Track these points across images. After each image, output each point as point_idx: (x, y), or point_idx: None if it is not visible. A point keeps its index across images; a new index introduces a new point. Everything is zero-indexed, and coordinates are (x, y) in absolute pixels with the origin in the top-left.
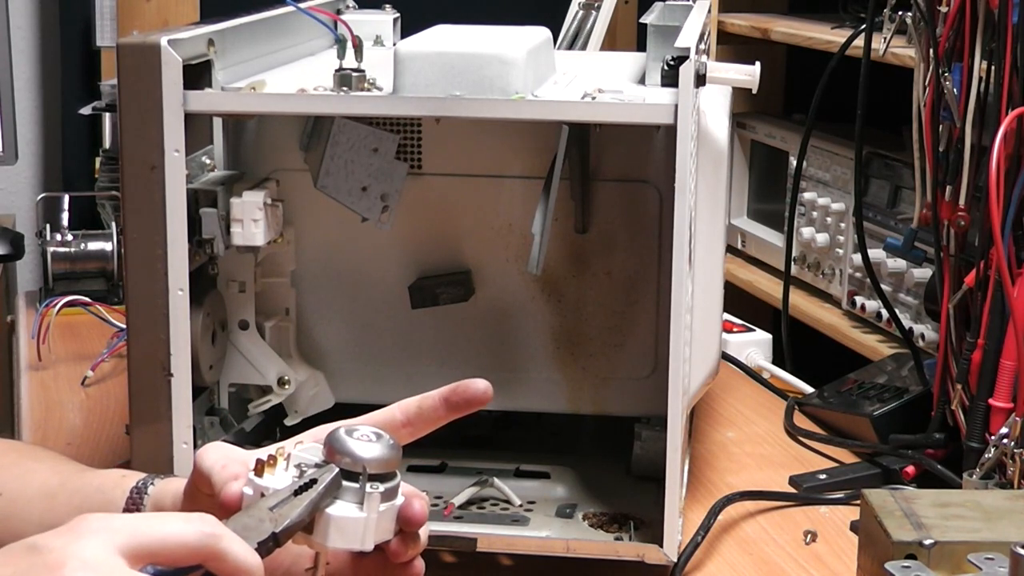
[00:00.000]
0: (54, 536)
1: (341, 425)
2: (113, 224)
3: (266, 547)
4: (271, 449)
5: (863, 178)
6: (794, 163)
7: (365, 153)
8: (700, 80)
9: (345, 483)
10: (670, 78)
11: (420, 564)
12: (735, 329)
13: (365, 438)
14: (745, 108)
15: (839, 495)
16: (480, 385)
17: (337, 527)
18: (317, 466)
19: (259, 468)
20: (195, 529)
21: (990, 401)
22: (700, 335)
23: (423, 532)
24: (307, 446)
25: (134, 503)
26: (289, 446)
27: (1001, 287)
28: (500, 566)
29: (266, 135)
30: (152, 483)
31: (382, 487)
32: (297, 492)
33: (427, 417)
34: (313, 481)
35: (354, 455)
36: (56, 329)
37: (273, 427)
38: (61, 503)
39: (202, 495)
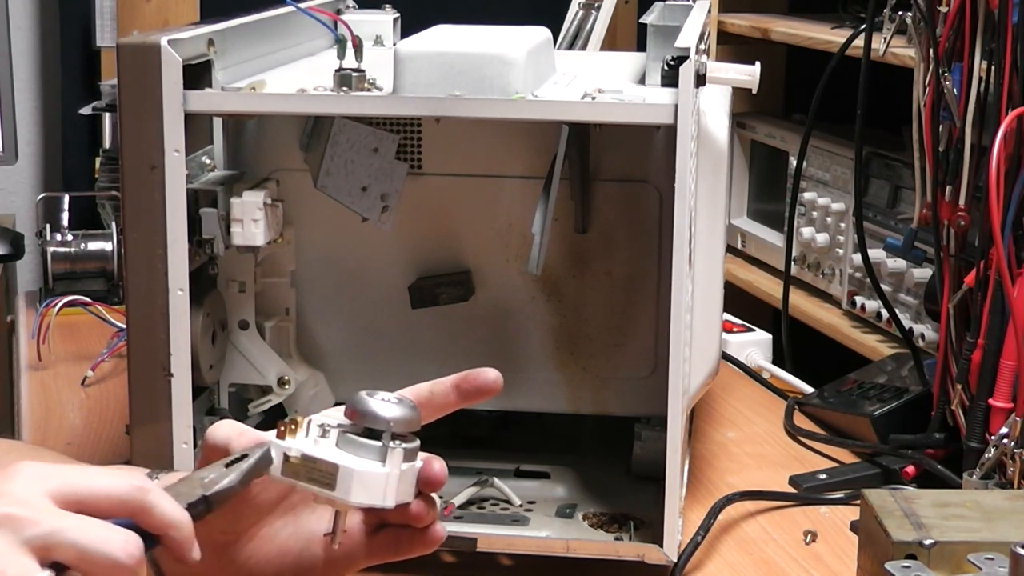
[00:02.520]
0: None
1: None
2: (113, 224)
3: (197, 509)
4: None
5: (863, 178)
6: (794, 163)
7: (365, 153)
8: (700, 80)
9: (368, 441)
10: (670, 78)
11: (441, 529)
12: (735, 329)
13: (388, 400)
14: (745, 108)
15: (839, 495)
16: (491, 374)
17: (360, 482)
18: (339, 425)
19: (281, 432)
20: (125, 482)
21: (990, 401)
22: (700, 335)
23: (436, 499)
24: (328, 411)
25: None
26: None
27: (1001, 287)
28: (500, 566)
29: (266, 135)
30: (156, 477)
31: (404, 445)
32: (228, 465)
33: (438, 403)
34: (245, 455)
35: (376, 414)
36: (56, 329)
37: (273, 427)
38: None
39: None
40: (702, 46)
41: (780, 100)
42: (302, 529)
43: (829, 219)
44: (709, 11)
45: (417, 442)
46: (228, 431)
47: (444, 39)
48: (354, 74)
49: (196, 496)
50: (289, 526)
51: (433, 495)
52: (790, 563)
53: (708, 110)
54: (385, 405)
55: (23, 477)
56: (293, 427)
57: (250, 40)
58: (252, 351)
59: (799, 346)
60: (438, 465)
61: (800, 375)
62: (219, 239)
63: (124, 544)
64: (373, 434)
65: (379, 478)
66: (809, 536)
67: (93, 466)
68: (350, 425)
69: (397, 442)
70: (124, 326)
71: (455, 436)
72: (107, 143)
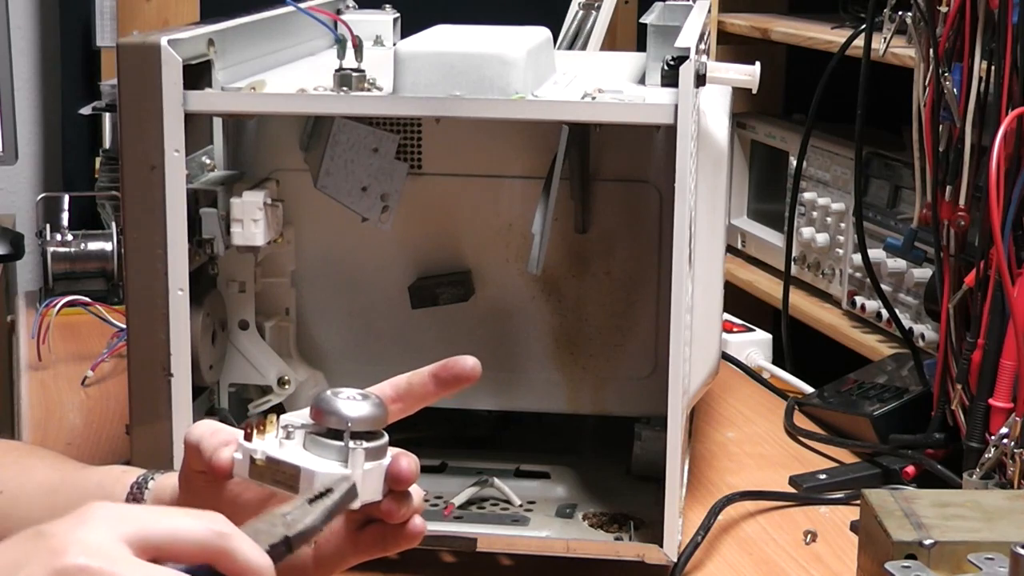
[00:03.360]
0: (60, 522)
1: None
2: (113, 224)
3: (278, 551)
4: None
5: (863, 178)
6: (794, 163)
7: (365, 153)
8: (700, 80)
9: (331, 442)
10: (670, 78)
11: (420, 523)
12: (735, 329)
13: (351, 398)
14: (745, 108)
15: (839, 495)
16: (468, 362)
17: (322, 484)
18: (303, 426)
19: (248, 433)
20: (204, 526)
21: (990, 401)
22: (700, 335)
23: (416, 493)
24: (296, 412)
25: (134, 498)
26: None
27: (1001, 287)
28: (500, 566)
29: (266, 135)
30: (152, 478)
31: (367, 445)
32: (311, 501)
33: (417, 393)
34: (329, 490)
35: (339, 413)
36: (56, 329)
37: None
38: (61, 499)
39: (195, 475)
40: (702, 46)
41: (780, 100)
42: None
43: (829, 219)
44: (709, 11)
45: (384, 439)
46: (202, 431)
47: (444, 39)
48: (354, 74)
49: (278, 537)
50: None
51: (413, 488)
52: (790, 563)
53: (708, 110)
54: (347, 404)
55: (97, 521)
56: (261, 428)
57: (250, 40)
58: (252, 351)
59: (799, 346)
60: (405, 462)
61: (800, 375)
62: (219, 239)
63: None
64: (336, 434)
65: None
66: (809, 536)
67: (171, 508)
68: (313, 425)
69: (360, 442)
70: (124, 326)
71: (455, 436)
72: (107, 143)
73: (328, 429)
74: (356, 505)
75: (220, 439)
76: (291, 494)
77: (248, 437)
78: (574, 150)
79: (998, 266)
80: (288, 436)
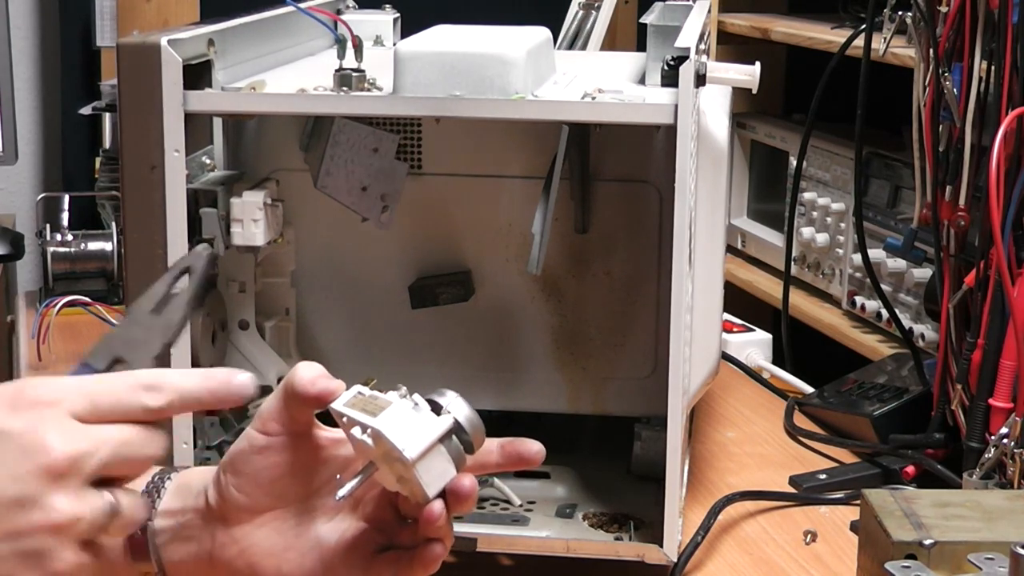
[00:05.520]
0: (12, 417)
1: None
2: (113, 224)
3: (163, 361)
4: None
5: (863, 178)
6: (794, 163)
7: (365, 153)
8: (700, 80)
9: (427, 408)
10: (670, 78)
11: (439, 552)
12: (735, 329)
13: (467, 401)
14: (745, 108)
15: (839, 495)
16: (534, 446)
17: (399, 420)
18: (415, 396)
19: (366, 381)
20: (133, 382)
21: (990, 401)
22: (700, 335)
23: (451, 532)
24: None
25: (155, 487)
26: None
27: (1001, 287)
28: (500, 566)
29: (266, 135)
30: (176, 470)
31: (452, 428)
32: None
33: (479, 460)
34: (188, 269)
35: (447, 395)
36: (56, 329)
37: None
38: None
39: (292, 405)
40: (702, 46)
41: (780, 100)
42: (313, 533)
43: (829, 219)
44: (709, 11)
45: (466, 459)
46: (314, 373)
47: (444, 39)
48: (354, 74)
49: (157, 348)
50: (304, 524)
51: (451, 521)
52: (790, 563)
53: (708, 110)
54: (461, 402)
55: (50, 409)
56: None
57: (250, 40)
58: (252, 351)
59: (799, 346)
60: (468, 481)
61: (800, 375)
62: (219, 239)
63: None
64: (437, 410)
65: (415, 427)
66: (809, 536)
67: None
68: (426, 400)
69: (449, 415)
70: None
71: None
72: (107, 143)
73: (435, 405)
74: (410, 455)
75: (337, 383)
76: (369, 419)
77: (366, 384)
78: (574, 150)
79: (998, 266)
80: (402, 396)
